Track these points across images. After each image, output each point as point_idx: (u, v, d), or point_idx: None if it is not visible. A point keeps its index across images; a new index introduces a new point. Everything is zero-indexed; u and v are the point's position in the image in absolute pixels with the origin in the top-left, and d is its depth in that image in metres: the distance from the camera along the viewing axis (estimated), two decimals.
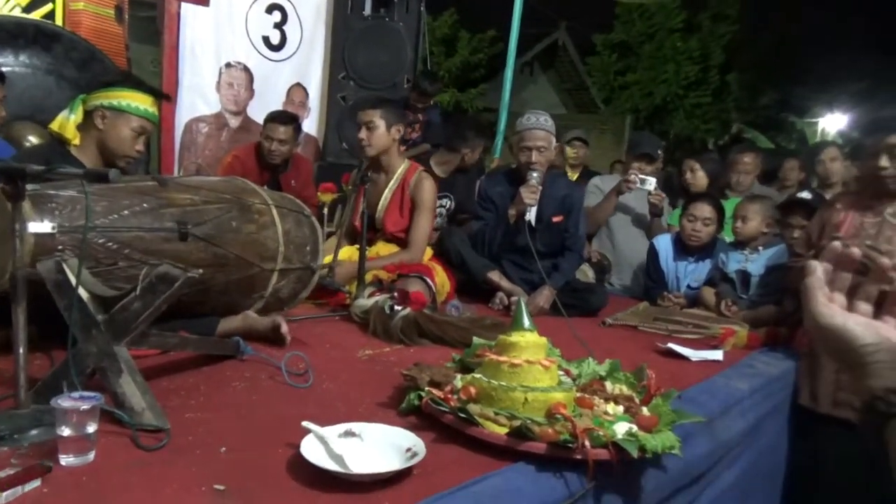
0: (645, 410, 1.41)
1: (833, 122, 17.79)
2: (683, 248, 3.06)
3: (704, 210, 2.96)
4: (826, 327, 0.69)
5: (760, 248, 2.80)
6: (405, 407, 1.36)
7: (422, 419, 1.32)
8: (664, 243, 3.12)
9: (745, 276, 2.79)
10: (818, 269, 0.71)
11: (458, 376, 1.43)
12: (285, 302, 2.03)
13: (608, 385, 1.56)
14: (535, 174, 2.68)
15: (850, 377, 0.72)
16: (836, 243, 0.76)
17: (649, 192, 3.36)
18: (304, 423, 1.13)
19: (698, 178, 3.53)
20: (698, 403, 1.66)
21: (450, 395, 1.30)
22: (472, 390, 1.31)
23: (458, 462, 1.16)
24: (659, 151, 3.61)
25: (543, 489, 1.14)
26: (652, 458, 1.26)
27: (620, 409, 1.41)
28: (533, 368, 1.31)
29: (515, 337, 1.35)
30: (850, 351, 0.68)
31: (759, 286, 2.74)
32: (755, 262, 2.79)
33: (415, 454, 1.10)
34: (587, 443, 1.15)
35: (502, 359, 1.33)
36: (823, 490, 2.08)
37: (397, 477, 1.05)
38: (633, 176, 3.32)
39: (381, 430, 1.19)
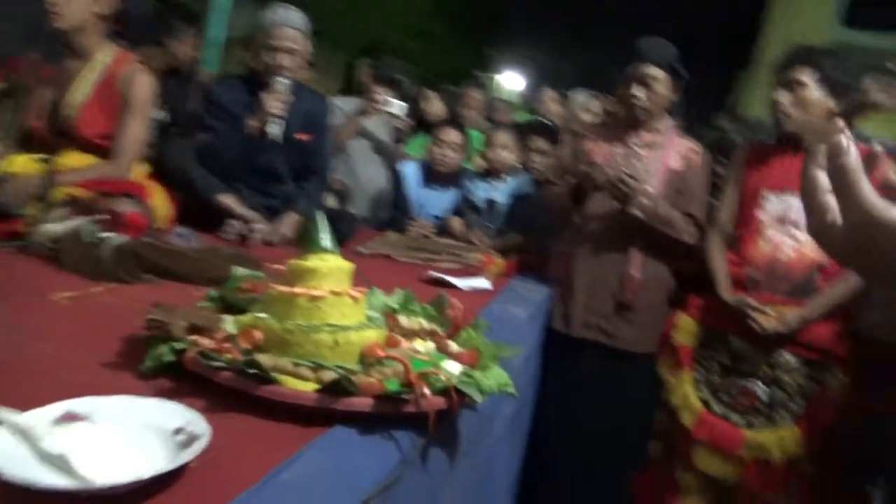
0: (454, 345, 1.20)
1: (511, 80, 19.88)
2: (430, 176, 2.95)
3: (452, 135, 2.87)
4: (881, 220, 0.52)
5: (507, 176, 2.81)
6: (150, 365, 0.93)
7: (180, 381, 0.92)
8: (411, 171, 2.97)
9: (492, 204, 2.78)
10: (853, 148, 0.54)
11: (227, 318, 1.03)
12: None
13: (402, 319, 1.32)
14: (283, 80, 2.26)
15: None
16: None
17: (396, 117, 3.17)
18: None
19: (435, 106, 3.44)
20: (489, 332, 1.52)
21: (226, 345, 0.92)
22: (257, 335, 0.94)
23: (253, 438, 0.81)
24: (404, 79, 3.42)
25: (372, 457, 0.86)
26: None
27: (431, 345, 1.18)
28: (340, 301, 1.00)
29: (314, 261, 1.02)
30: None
31: (507, 215, 2.76)
32: (502, 191, 2.79)
33: (192, 437, 0.72)
34: (426, 390, 0.89)
35: (298, 291, 0.98)
36: (575, 412, 2.16)
37: (166, 478, 0.67)
38: (379, 97, 3.08)
39: (125, 405, 0.77)
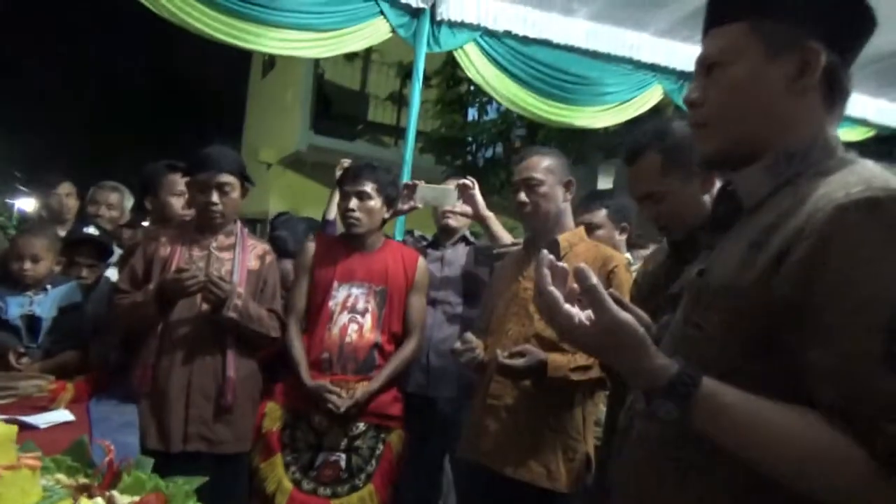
0: (119, 496, 1.07)
1: None
2: None
3: None
4: (624, 321, 0.78)
5: (48, 287, 2.44)
6: None
7: None
8: None
9: (32, 320, 2.36)
10: (591, 272, 0.80)
11: None
12: None
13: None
14: None
15: (630, 374, 0.82)
16: (548, 258, 0.85)
17: None
18: None
19: None
20: None
21: None
22: None
23: None
24: None
25: None
26: None
27: (101, 502, 1.03)
28: (19, 476, 0.81)
29: None
30: (636, 339, 0.79)
31: (54, 330, 2.38)
32: (43, 304, 2.40)
33: None
34: None
35: None
36: None
37: None
38: None
39: None
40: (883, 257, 0.75)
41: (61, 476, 1.11)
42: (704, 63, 0.95)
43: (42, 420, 1.69)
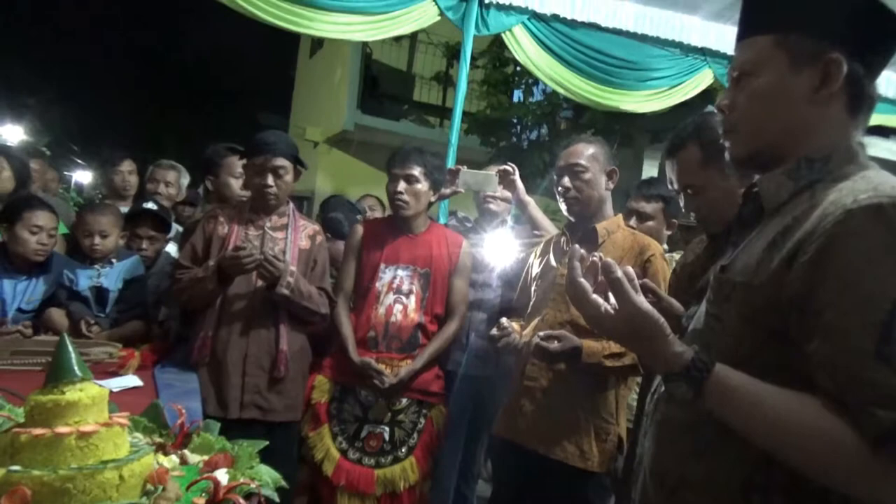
0: (191, 454, 1.19)
1: (11, 133, 17.38)
2: (11, 264, 2.51)
3: (44, 218, 2.52)
4: (646, 311, 0.86)
5: (114, 260, 2.60)
6: None
7: None
8: None
9: (100, 292, 2.53)
10: (619, 270, 0.87)
11: None
12: None
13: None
14: None
15: (649, 359, 0.89)
16: (581, 253, 0.92)
17: None
18: None
19: (4, 178, 2.93)
20: None
21: None
22: (26, 492, 0.81)
23: None
24: None
25: None
26: None
27: (175, 458, 1.14)
28: (112, 433, 0.92)
29: (73, 393, 0.91)
30: (655, 328, 0.86)
31: (119, 301, 2.55)
32: (109, 277, 2.57)
33: None
34: (241, 501, 0.91)
35: (64, 430, 0.87)
36: None
37: None
38: None
39: None
40: (882, 261, 0.81)
41: (139, 435, 1.24)
42: (733, 72, 1.01)
43: (114, 384, 1.84)
